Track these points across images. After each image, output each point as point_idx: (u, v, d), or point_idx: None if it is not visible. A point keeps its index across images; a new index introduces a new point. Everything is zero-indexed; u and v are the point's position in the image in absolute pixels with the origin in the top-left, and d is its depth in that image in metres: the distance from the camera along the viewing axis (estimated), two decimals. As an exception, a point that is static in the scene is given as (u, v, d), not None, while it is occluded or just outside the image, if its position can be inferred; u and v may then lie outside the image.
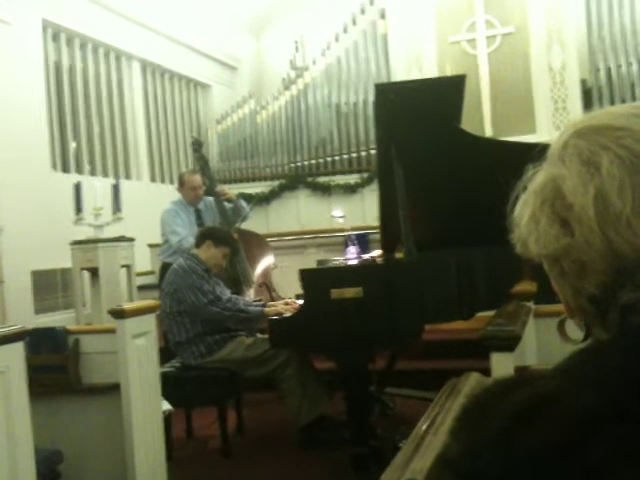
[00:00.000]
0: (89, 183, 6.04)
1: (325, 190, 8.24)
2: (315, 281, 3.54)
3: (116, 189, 5.91)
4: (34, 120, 6.15)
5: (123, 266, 5.88)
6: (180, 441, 4.23)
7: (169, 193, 6.66)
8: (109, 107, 7.53)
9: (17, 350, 2.59)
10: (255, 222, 6.63)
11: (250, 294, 5.10)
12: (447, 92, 3.62)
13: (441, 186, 3.63)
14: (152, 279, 6.65)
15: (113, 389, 3.12)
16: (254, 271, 5.31)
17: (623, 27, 7.42)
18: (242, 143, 8.74)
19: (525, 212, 0.69)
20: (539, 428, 0.55)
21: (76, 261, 5.76)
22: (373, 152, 7.55)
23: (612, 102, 7.38)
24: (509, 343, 2.14)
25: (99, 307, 5.60)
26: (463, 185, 3.55)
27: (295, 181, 8.40)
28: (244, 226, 5.65)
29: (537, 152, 0.71)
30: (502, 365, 2.11)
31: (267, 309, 4.15)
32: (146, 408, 3.19)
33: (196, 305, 4.11)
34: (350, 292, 3.38)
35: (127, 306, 3.23)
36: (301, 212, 8.30)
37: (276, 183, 8.47)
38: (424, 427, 1.28)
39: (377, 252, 4.28)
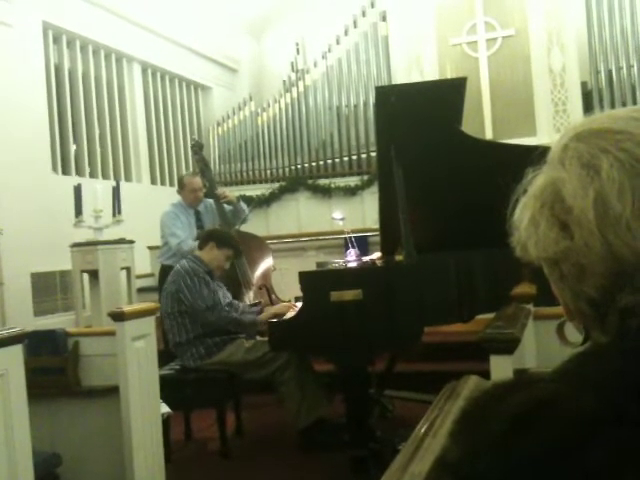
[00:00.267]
0: (89, 185, 6.04)
1: (325, 192, 8.25)
2: (315, 283, 3.54)
3: (116, 191, 5.91)
4: (35, 122, 6.15)
5: (123, 268, 5.88)
6: (179, 443, 4.22)
7: (169, 195, 6.65)
8: (110, 109, 7.53)
9: (16, 352, 2.58)
10: (255, 224, 6.63)
11: (250, 296, 5.10)
12: (448, 95, 3.62)
13: (441, 188, 3.63)
14: (152, 281, 6.65)
15: (112, 392, 3.12)
16: (254, 273, 5.31)
17: (623, 29, 7.42)
18: (242, 145, 8.75)
19: (525, 215, 0.69)
20: (538, 431, 0.55)
21: (76, 263, 5.76)
22: (373, 154, 7.56)
23: (613, 104, 7.38)
24: (508, 346, 2.14)
25: (99, 309, 5.60)
26: (463, 187, 3.55)
27: (295, 183, 8.41)
28: (244, 228, 5.65)
29: (537, 155, 0.71)
30: (501, 368, 2.10)
31: (261, 316, 4.18)
32: (145, 411, 3.18)
33: (194, 308, 4.13)
34: (350, 294, 3.38)
35: (127, 308, 3.23)
36: (301, 214, 8.30)
37: (276, 185, 8.48)
38: (423, 430, 1.28)
39: (377, 254, 4.27)
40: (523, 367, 2.36)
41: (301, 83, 8.61)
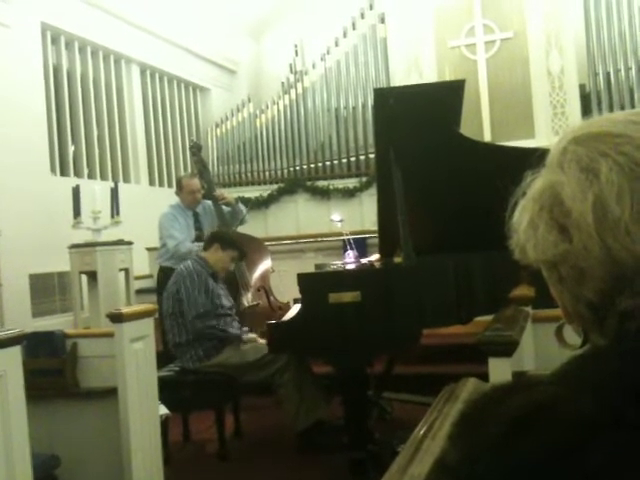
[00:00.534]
0: (88, 186, 6.04)
1: (324, 194, 8.25)
2: (313, 285, 3.54)
3: (114, 192, 5.91)
4: (33, 123, 6.14)
5: (121, 269, 5.87)
6: (177, 445, 4.22)
7: (167, 197, 6.64)
8: (108, 110, 7.52)
9: (14, 354, 2.58)
10: (253, 226, 6.62)
11: (248, 298, 5.10)
12: (446, 97, 3.63)
13: (440, 190, 3.63)
14: (150, 283, 6.64)
15: (111, 393, 3.12)
16: (252, 275, 5.31)
17: (622, 31, 7.43)
18: (241, 147, 8.75)
19: (524, 218, 0.69)
20: (537, 434, 0.55)
21: (74, 264, 5.76)
22: (372, 156, 7.54)
23: (611, 107, 7.40)
24: (507, 348, 2.14)
25: (97, 311, 5.59)
26: (462, 190, 3.55)
27: (294, 185, 8.41)
28: (242, 230, 5.65)
29: (536, 158, 0.71)
30: (500, 370, 2.11)
31: (246, 337, 4.20)
32: (143, 412, 3.18)
33: (185, 313, 4.15)
34: (348, 296, 3.38)
35: (125, 310, 3.23)
36: (300, 216, 8.30)
37: (275, 187, 8.48)
38: (422, 432, 1.28)
39: (375, 256, 4.28)
40: (522, 370, 2.37)
41: (300, 85, 8.61)
